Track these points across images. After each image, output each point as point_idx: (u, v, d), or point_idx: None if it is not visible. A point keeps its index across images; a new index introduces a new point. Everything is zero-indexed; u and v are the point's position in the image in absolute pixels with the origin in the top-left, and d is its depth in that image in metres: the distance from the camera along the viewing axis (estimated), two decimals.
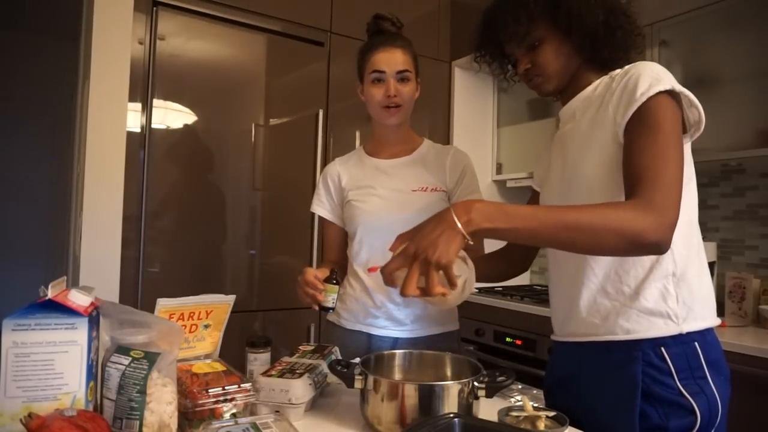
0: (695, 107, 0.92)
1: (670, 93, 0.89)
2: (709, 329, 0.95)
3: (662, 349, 0.91)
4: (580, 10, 0.97)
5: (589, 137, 0.98)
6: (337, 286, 1.24)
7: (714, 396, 0.90)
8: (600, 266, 0.96)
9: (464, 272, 0.90)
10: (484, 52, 1.13)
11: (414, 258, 0.80)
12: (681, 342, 0.91)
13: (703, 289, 0.97)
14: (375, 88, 1.36)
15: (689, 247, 0.96)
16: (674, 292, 0.93)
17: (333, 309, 1.25)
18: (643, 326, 0.92)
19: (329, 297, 1.23)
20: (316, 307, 1.24)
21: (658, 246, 0.82)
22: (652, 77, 0.89)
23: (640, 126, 0.88)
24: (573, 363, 1.04)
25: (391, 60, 1.34)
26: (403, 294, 0.81)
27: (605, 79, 1.02)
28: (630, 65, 0.96)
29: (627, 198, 0.87)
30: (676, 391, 0.89)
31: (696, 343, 0.91)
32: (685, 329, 0.91)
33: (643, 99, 0.88)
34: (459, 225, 0.79)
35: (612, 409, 0.94)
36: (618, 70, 1.00)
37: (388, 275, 0.85)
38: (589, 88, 1.04)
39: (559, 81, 1.05)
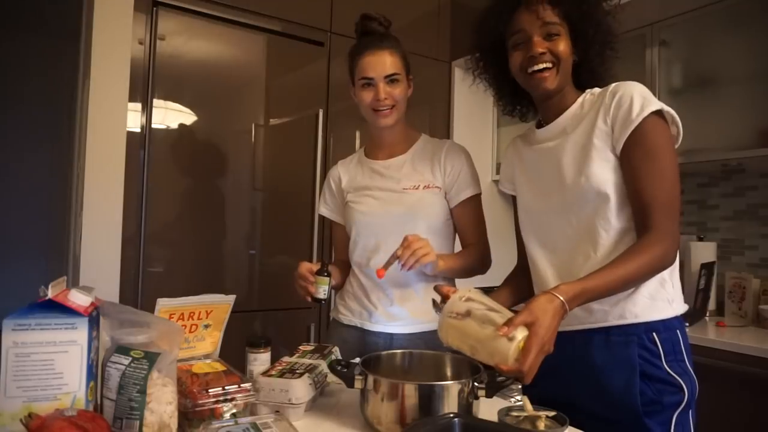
0: (676, 125, 1.04)
1: (659, 112, 1.00)
2: (683, 318, 1.08)
3: (654, 334, 1.02)
4: (595, 39, 1.08)
5: (588, 146, 1.05)
6: (327, 278, 1.29)
7: (692, 376, 1.03)
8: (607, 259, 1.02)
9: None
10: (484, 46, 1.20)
11: (542, 352, 0.88)
12: (668, 328, 1.03)
13: (678, 276, 1.10)
14: (365, 92, 1.37)
15: None
16: (669, 280, 1.05)
17: (324, 300, 1.30)
18: (648, 310, 1.02)
19: (320, 288, 1.28)
20: (309, 299, 1.30)
21: (670, 266, 1.02)
22: (642, 97, 1.01)
23: (641, 150, 1.00)
24: (571, 352, 1.06)
25: (379, 64, 1.34)
26: (526, 383, 0.87)
27: (587, 96, 1.12)
28: (613, 85, 1.07)
29: (639, 222, 1.00)
30: (665, 372, 1.00)
31: (678, 330, 1.04)
32: (677, 311, 1.05)
33: (639, 120, 0.99)
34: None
35: (615, 389, 1.01)
36: (596, 89, 1.12)
37: (531, 373, 0.87)
38: (575, 106, 1.12)
39: (562, 83, 1.11)
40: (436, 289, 1.07)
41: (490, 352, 0.89)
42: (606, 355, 1.03)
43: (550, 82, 1.08)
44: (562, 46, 1.07)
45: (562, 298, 0.90)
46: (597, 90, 1.11)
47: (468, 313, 0.93)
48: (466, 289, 1.00)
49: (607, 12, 1.10)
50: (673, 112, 1.02)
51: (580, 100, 1.12)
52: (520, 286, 1.24)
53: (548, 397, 1.02)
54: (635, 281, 0.98)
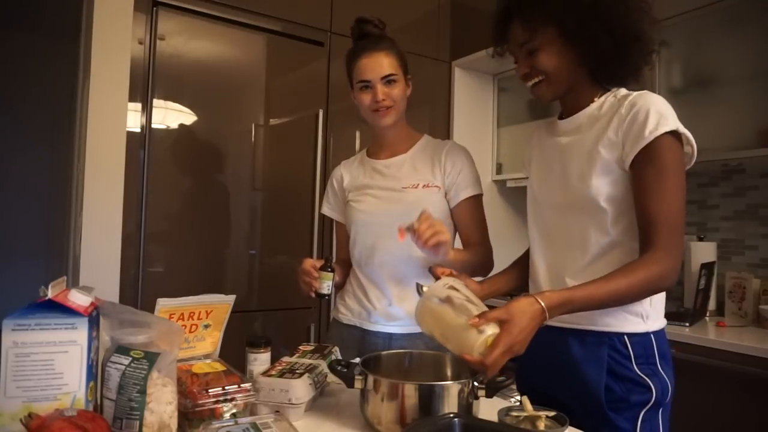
0: (690, 145, 1.02)
1: (674, 132, 0.98)
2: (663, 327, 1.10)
3: (625, 338, 1.04)
4: (594, 33, 1.02)
5: (594, 155, 1.04)
6: (331, 274, 1.30)
7: (665, 379, 1.05)
8: (589, 274, 1.03)
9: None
10: (498, 33, 1.16)
11: (510, 351, 0.89)
12: (641, 334, 1.05)
13: (662, 294, 1.10)
14: (363, 94, 1.37)
15: None
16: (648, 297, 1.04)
17: (328, 295, 1.31)
18: (620, 322, 1.04)
19: (324, 284, 1.30)
20: (313, 294, 1.31)
21: (671, 287, 1.00)
22: (659, 114, 0.98)
23: (650, 167, 0.98)
24: (551, 347, 1.09)
25: (376, 66, 1.34)
26: (488, 376, 0.92)
27: (609, 97, 1.09)
28: (636, 94, 1.04)
29: (642, 239, 1.00)
30: (634, 373, 1.03)
31: (652, 336, 1.05)
32: (652, 328, 1.05)
33: (651, 138, 0.97)
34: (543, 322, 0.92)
35: (585, 384, 1.05)
36: (623, 90, 1.08)
37: (493, 369, 0.90)
38: (595, 106, 1.09)
39: (562, 89, 1.10)
40: (431, 270, 1.11)
41: (459, 341, 0.92)
42: (580, 351, 1.06)
43: (543, 95, 1.10)
44: (544, 59, 1.05)
45: (543, 305, 0.91)
46: (622, 92, 1.08)
47: (447, 300, 0.96)
48: (451, 278, 1.04)
49: (612, 7, 1.01)
50: (688, 133, 1.00)
51: (601, 99, 1.09)
52: (525, 270, 1.24)
53: (529, 387, 1.06)
54: (628, 298, 0.99)
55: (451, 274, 1.10)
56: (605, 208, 1.03)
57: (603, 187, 1.03)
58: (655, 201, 0.98)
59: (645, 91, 1.04)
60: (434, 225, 1.15)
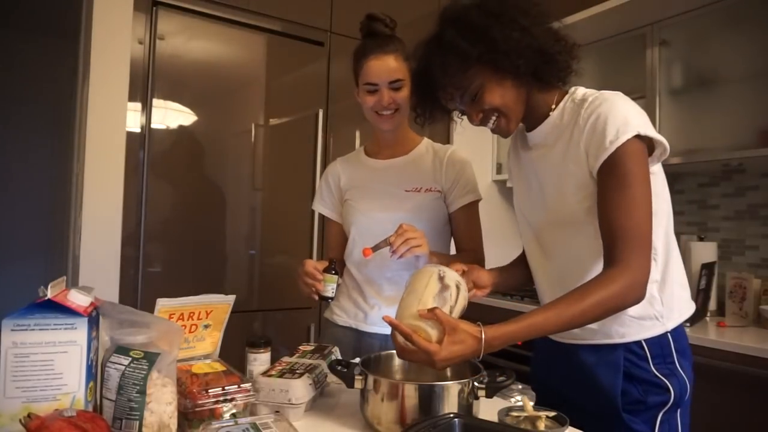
0: (660, 141, 0.97)
1: (636, 135, 0.93)
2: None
3: (642, 341, 1.01)
4: (515, 59, 0.98)
5: (565, 170, 1.02)
6: (335, 276, 1.28)
7: (683, 378, 1.02)
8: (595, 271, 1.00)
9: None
10: (425, 111, 1.14)
11: (426, 356, 0.89)
12: (659, 336, 1.02)
13: (681, 285, 1.06)
14: (369, 96, 1.35)
15: (669, 254, 1.03)
16: (659, 297, 1.02)
17: (332, 298, 1.29)
18: (634, 329, 1.01)
19: (328, 287, 1.27)
20: (316, 297, 1.28)
21: (638, 302, 0.94)
22: (620, 121, 0.93)
23: (612, 177, 0.94)
24: (561, 351, 1.09)
25: (384, 70, 1.32)
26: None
27: (568, 102, 1.05)
28: (593, 97, 1.00)
29: (604, 252, 0.95)
30: (652, 374, 1.00)
31: (669, 334, 1.02)
32: (669, 327, 1.02)
33: (613, 148, 0.93)
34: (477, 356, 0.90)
35: (600, 388, 1.03)
36: (580, 91, 1.04)
37: (401, 350, 0.94)
38: (556, 114, 1.06)
39: (519, 115, 1.06)
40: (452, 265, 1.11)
41: (405, 309, 0.96)
42: (593, 356, 1.05)
43: (505, 129, 1.06)
44: (489, 96, 1.01)
45: (482, 337, 0.88)
46: (579, 94, 1.04)
47: (444, 285, 0.98)
48: (471, 285, 1.04)
49: (523, 32, 0.98)
50: (652, 133, 0.95)
51: (561, 106, 1.05)
52: (510, 272, 1.25)
53: (543, 386, 1.06)
54: (586, 321, 0.92)
55: (463, 273, 1.11)
56: (589, 221, 1.00)
57: (581, 202, 1.00)
58: (616, 213, 0.93)
59: (602, 93, 1.00)
60: (410, 240, 1.16)
